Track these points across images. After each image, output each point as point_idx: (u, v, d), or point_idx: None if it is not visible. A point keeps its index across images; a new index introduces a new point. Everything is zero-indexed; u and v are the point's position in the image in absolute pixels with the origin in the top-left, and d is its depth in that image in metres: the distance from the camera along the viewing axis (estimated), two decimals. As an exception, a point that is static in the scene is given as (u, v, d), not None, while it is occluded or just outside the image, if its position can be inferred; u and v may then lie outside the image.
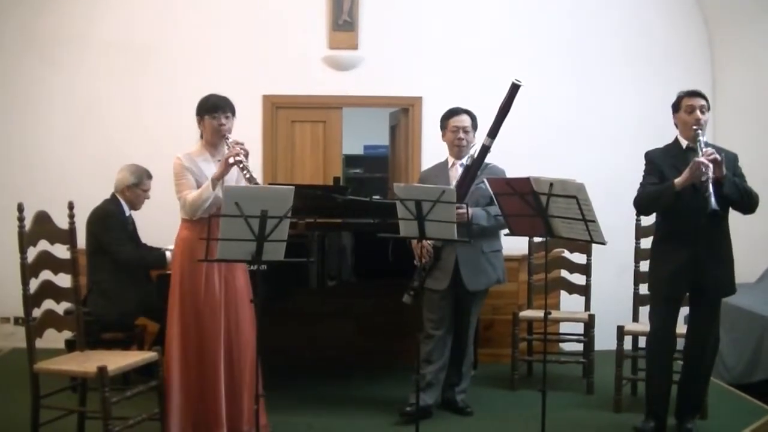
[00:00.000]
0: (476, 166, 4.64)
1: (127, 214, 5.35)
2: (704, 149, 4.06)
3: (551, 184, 3.65)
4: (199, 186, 4.11)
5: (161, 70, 7.08)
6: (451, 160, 4.89)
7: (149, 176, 5.41)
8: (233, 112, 4.29)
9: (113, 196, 5.33)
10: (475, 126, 4.87)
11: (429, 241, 4.55)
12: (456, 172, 4.79)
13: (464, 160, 4.74)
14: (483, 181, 4.53)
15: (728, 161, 4.16)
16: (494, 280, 4.85)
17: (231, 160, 4.03)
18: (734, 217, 6.89)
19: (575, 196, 3.57)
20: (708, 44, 7.31)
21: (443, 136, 4.93)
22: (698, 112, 4.28)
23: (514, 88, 4.61)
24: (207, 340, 4.11)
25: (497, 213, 4.47)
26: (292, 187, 3.66)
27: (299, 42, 7.15)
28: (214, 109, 4.21)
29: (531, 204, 3.77)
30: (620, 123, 6.98)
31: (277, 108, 7.22)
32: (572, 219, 3.66)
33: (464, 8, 7.25)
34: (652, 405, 4.41)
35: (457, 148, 4.82)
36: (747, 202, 4.19)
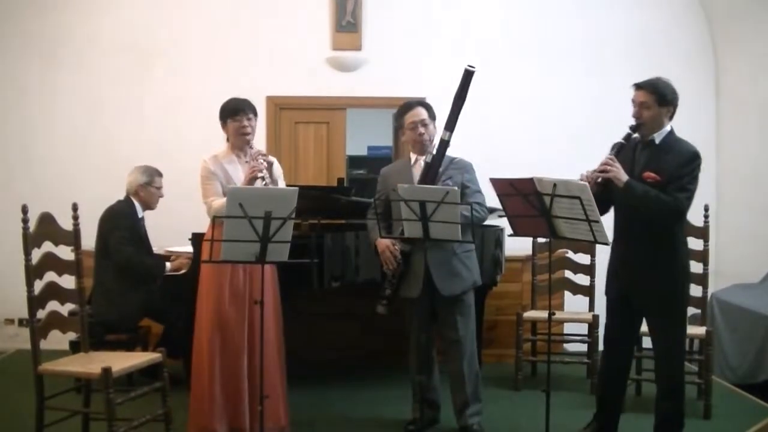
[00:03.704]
0: (437, 162, 4.36)
1: (140, 215, 5.36)
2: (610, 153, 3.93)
3: (554, 185, 3.64)
4: (224, 189, 4.12)
5: (165, 72, 7.10)
6: (413, 157, 4.53)
7: (159, 174, 5.44)
8: (255, 113, 4.36)
9: (127, 197, 5.35)
10: (432, 116, 4.50)
11: (397, 246, 4.36)
12: (420, 170, 4.46)
13: (427, 157, 4.42)
14: (450, 177, 4.38)
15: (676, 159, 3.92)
16: (470, 282, 4.49)
17: (252, 175, 4.12)
18: (739, 217, 6.94)
19: (578, 196, 3.56)
20: (711, 43, 7.31)
21: (402, 135, 4.63)
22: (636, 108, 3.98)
23: (468, 75, 4.34)
24: (231, 339, 4.16)
25: (467, 209, 4.25)
26: (296, 188, 3.67)
27: (303, 43, 7.17)
28: (235, 112, 4.27)
29: (534, 205, 3.76)
30: (624, 122, 6.97)
31: (280, 109, 7.23)
32: (576, 219, 3.64)
33: (468, 9, 7.26)
34: (597, 404, 4.32)
35: (419, 144, 4.46)
36: (648, 209, 3.87)
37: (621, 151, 3.93)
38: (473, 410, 4.53)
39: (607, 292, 4.27)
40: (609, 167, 3.84)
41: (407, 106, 4.58)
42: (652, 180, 3.87)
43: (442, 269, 4.39)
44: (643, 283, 3.99)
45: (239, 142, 4.30)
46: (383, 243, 4.43)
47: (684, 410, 4.08)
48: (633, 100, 3.99)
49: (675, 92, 3.96)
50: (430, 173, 4.37)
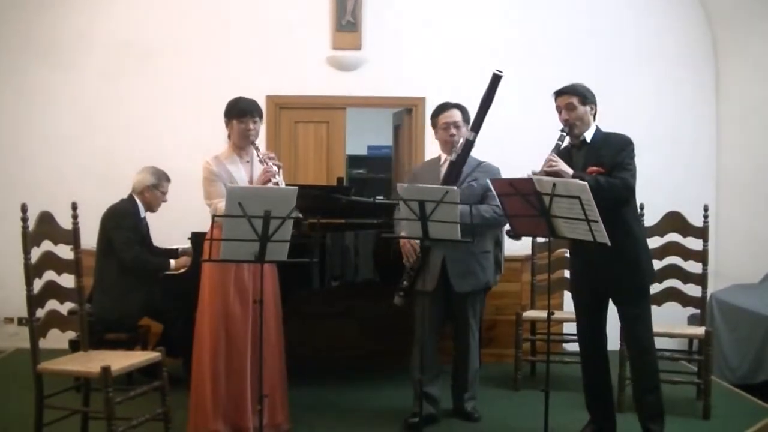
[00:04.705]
0: (460, 162, 4.54)
1: (143, 215, 5.36)
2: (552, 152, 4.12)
3: (554, 185, 3.65)
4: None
5: (164, 71, 7.10)
6: (443, 157, 4.74)
7: (168, 179, 5.44)
8: (261, 116, 4.39)
9: (130, 196, 5.35)
10: (466, 120, 4.67)
11: (416, 241, 4.48)
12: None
13: (452, 156, 4.60)
14: (476, 179, 4.53)
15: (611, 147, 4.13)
16: (483, 282, 4.68)
17: (266, 179, 4.16)
18: (738, 218, 6.94)
19: (578, 196, 3.57)
20: (711, 45, 7.31)
21: (435, 134, 4.80)
22: (564, 112, 4.21)
23: (496, 79, 4.52)
24: (235, 338, 4.18)
25: (487, 211, 4.46)
26: (296, 188, 3.67)
27: (303, 43, 7.16)
28: (242, 114, 4.28)
29: (534, 204, 3.77)
30: (625, 122, 6.98)
31: (280, 108, 7.23)
32: (575, 219, 3.65)
33: (468, 8, 7.26)
34: (589, 410, 4.40)
35: (449, 145, 4.64)
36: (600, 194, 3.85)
37: (558, 152, 4.13)
38: (470, 394, 4.81)
39: (574, 294, 4.39)
40: (553, 163, 4.03)
41: (443, 106, 4.75)
42: (596, 173, 4.04)
43: (457, 266, 4.57)
44: (608, 273, 4.09)
45: (242, 143, 4.32)
46: None
47: (662, 398, 4.24)
48: (558, 107, 4.24)
49: (591, 92, 4.27)
50: (454, 171, 4.54)
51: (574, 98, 4.18)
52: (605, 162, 4.06)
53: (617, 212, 4.02)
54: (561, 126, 4.20)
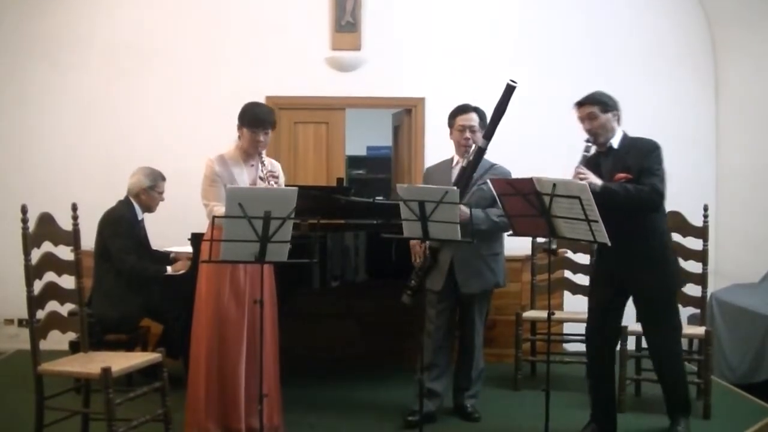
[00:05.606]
0: (471, 168, 4.57)
1: (140, 218, 5.35)
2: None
3: (554, 185, 3.65)
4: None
5: (165, 72, 7.10)
6: (456, 159, 4.75)
7: (163, 178, 5.41)
8: (273, 127, 4.33)
9: (127, 198, 5.33)
10: (483, 125, 4.67)
11: (426, 242, 4.50)
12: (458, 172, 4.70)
13: (463, 162, 4.65)
14: (486, 182, 4.48)
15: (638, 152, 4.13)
16: (492, 283, 4.73)
17: None
18: (738, 217, 6.94)
19: (578, 196, 3.57)
20: (711, 45, 7.32)
21: (450, 134, 4.79)
22: (586, 122, 4.20)
23: (509, 89, 4.54)
24: (230, 338, 4.16)
25: (498, 215, 4.43)
26: (296, 189, 3.66)
27: (302, 43, 7.17)
28: (255, 125, 4.23)
29: (534, 204, 3.77)
30: (626, 121, 6.98)
31: (279, 109, 7.19)
32: (575, 219, 3.66)
33: (468, 9, 7.26)
34: (592, 406, 4.40)
35: (463, 148, 4.66)
36: (630, 202, 3.98)
37: (586, 162, 4.12)
38: (471, 392, 4.82)
39: (592, 292, 4.42)
40: (582, 175, 3.99)
41: (463, 108, 4.75)
42: (624, 179, 4.04)
43: (465, 267, 4.62)
44: (636, 274, 4.12)
45: (250, 151, 4.29)
46: None
47: (689, 397, 4.34)
48: (580, 118, 4.21)
49: (612, 98, 4.22)
50: (465, 177, 4.58)
51: (594, 107, 4.16)
52: (631, 168, 4.06)
53: (646, 216, 4.08)
54: (584, 136, 4.19)
